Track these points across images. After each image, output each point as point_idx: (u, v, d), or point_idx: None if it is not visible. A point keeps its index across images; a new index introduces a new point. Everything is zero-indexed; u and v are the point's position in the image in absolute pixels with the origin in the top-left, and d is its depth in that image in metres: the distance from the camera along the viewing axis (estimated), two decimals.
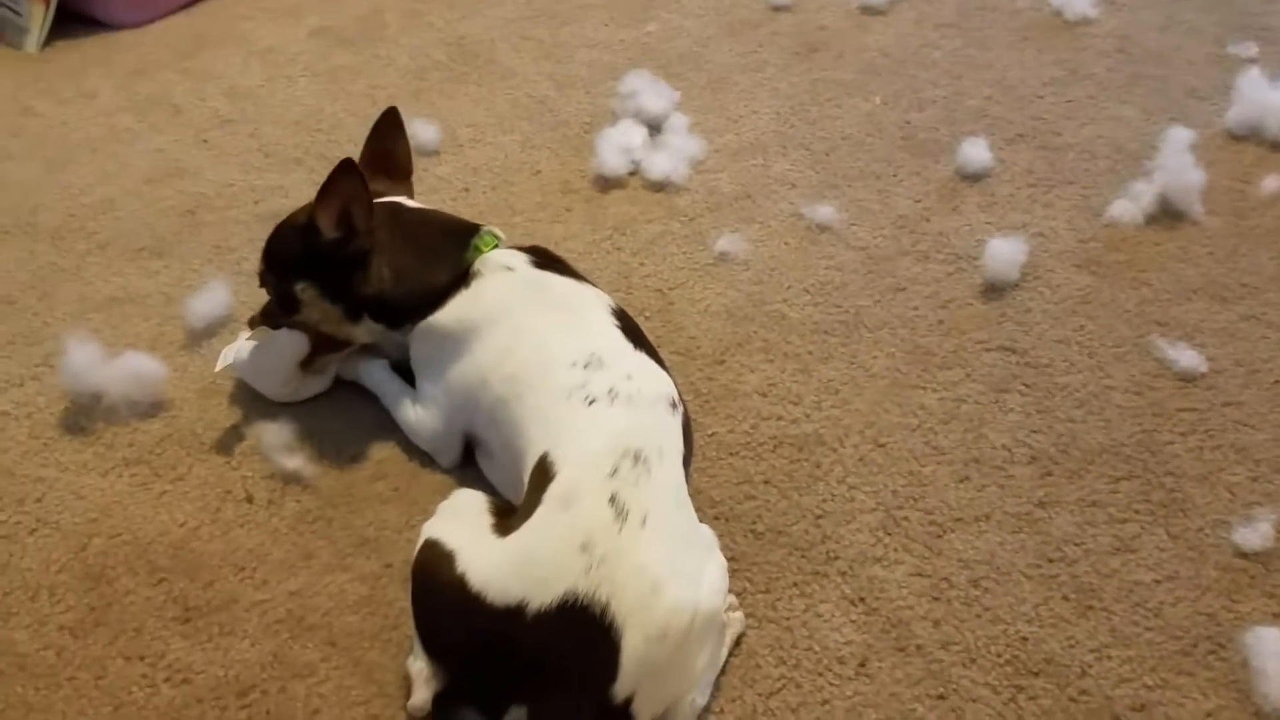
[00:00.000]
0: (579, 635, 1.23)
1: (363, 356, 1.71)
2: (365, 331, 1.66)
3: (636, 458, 1.33)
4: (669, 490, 1.36)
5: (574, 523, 1.28)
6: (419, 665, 1.33)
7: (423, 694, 1.31)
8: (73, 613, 1.46)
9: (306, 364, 1.67)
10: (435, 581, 1.31)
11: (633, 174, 2.14)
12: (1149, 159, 2.09)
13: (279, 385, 1.67)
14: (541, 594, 1.24)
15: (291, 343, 1.64)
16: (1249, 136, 2.16)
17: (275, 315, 1.66)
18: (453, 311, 1.57)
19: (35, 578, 1.50)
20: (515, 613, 1.24)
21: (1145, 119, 2.22)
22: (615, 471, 1.32)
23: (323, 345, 1.67)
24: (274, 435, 1.64)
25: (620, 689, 1.24)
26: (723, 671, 1.39)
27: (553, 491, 1.32)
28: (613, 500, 1.29)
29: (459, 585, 1.27)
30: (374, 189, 1.69)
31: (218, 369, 1.66)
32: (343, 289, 1.60)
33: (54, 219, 2.06)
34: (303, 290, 1.61)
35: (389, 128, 1.73)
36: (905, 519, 1.55)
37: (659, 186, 2.11)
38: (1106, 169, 2.11)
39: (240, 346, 1.67)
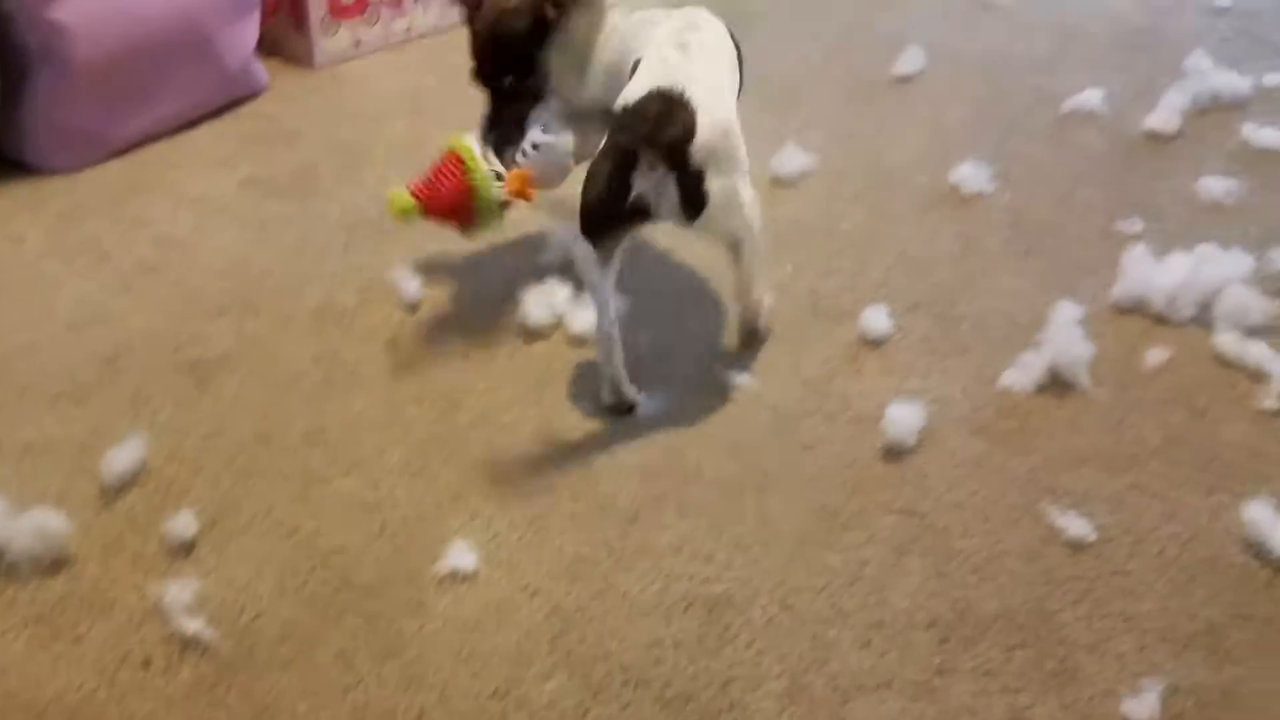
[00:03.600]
0: (667, 105, 1.78)
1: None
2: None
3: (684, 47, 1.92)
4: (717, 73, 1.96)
5: (657, 55, 1.89)
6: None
7: None
8: None
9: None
10: None
11: (556, 327, 2.21)
12: (1040, 330, 2.20)
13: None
14: (638, 91, 1.82)
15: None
16: (1135, 310, 2.26)
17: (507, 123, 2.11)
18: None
19: None
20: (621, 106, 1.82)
21: (1036, 291, 2.34)
22: (678, 40, 1.92)
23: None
24: (175, 594, 1.62)
25: (695, 154, 1.78)
26: None
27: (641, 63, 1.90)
28: (682, 47, 1.91)
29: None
30: None
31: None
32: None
33: None
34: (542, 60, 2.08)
35: None
36: (809, 684, 1.58)
37: (580, 341, 2.18)
38: (1000, 338, 2.22)
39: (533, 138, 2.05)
